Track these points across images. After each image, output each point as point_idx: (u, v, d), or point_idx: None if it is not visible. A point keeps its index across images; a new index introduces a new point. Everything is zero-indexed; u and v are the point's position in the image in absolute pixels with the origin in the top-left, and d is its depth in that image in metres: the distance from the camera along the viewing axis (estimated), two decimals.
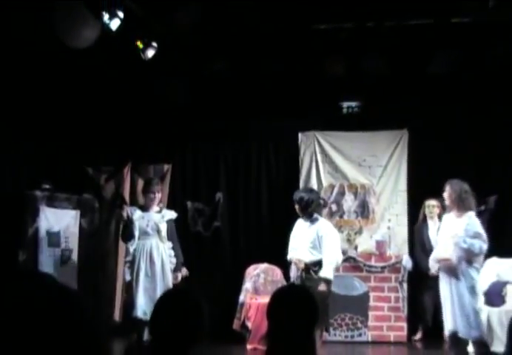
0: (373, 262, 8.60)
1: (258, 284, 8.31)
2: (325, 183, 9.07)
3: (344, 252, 8.36)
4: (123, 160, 9.18)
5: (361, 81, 8.52)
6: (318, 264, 6.83)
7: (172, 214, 7.50)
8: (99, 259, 8.63)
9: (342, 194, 9.06)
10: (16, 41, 6.70)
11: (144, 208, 7.34)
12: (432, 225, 8.21)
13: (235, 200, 9.34)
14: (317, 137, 9.13)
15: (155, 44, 7.30)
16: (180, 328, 2.48)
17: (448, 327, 6.79)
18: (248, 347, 7.82)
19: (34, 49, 6.97)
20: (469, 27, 7.30)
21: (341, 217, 9.05)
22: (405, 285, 8.50)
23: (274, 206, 9.14)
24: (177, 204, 8.90)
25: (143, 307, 6.98)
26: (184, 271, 7.94)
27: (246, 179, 9.37)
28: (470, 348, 7.05)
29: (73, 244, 8.00)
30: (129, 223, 7.23)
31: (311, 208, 6.94)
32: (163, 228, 7.29)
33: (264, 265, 8.43)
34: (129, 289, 7.20)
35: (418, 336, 8.52)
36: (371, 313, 8.51)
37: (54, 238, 7.76)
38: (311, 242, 6.89)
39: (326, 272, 6.78)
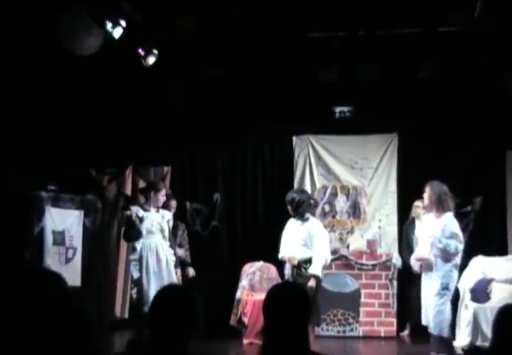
0: (364, 261, 8.71)
1: (254, 281, 8.38)
2: (318, 185, 9.19)
3: (336, 251, 8.54)
4: (124, 162, 9.28)
5: (353, 87, 8.64)
6: (309, 261, 7.01)
7: (169, 214, 7.62)
8: (101, 258, 8.70)
9: (334, 195, 9.18)
10: (23, 49, 6.87)
11: (145, 208, 7.38)
12: (419, 225, 8.10)
13: (232, 201, 9.41)
14: (310, 141, 9.25)
15: (155, 51, 7.33)
16: (176, 323, 2.54)
17: (423, 322, 6.94)
18: (245, 341, 7.90)
19: (40, 57, 7.11)
20: (456, 36, 7.39)
21: (334, 217, 9.18)
22: (394, 283, 8.61)
23: (270, 206, 9.21)
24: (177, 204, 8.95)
25: None
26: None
27: (242, 180, 9.45)
28: (457, 343, 7.24)
29: (77, 243, 8.04)
30: (137, 222, 7.22)
31: (302, 208, 7.10)
32: (166, 227, 7.40)
33: (260, 263, 8.51)
34: (138, 286, 7.19)
35: (406, 332, 8.62)
36: (362, 309, 8.65)
37: (59, 237, 7.79)
38: (303, 239, 7.06)
39: (315, 269, 6.96)
